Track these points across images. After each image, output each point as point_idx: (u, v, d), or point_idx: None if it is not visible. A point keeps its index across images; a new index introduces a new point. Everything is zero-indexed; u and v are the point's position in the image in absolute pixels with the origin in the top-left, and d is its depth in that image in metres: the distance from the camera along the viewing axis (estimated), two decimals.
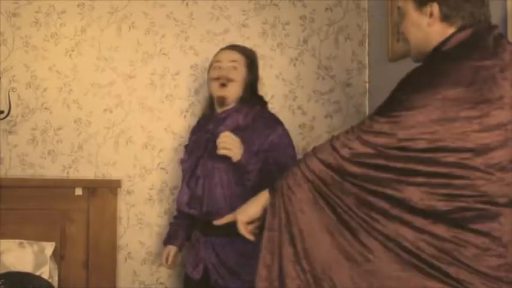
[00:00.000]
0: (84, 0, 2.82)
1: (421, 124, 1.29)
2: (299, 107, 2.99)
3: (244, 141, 2.03)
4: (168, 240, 2.44)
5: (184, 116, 2.88)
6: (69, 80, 2.80)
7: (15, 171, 2.74)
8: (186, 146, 2.41)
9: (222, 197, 2.09)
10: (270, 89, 2.96)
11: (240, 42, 2.92)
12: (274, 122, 2.19)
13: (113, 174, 2.81)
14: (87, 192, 2.66)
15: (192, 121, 2.86)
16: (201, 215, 2.14)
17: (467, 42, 1.37)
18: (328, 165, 1.39)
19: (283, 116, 2.93)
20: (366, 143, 1.35)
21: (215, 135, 2.07)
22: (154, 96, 2.87)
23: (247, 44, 2.92)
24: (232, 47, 2.33)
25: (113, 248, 2.66)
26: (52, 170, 2.77)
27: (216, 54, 2.32)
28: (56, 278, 2.52)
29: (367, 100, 3.06)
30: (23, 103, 2.76)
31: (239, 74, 2.21)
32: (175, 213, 2.50)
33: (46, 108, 2.78)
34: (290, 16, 2.99)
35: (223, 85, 2.17)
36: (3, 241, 2.47)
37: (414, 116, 1.29)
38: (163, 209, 2.83)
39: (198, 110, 2.82)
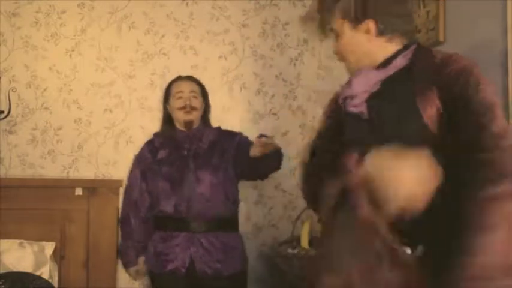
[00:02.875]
0: (84, 0, 2.82)
1: None
2: (299, 107, 2.99)
3: (222, 150, 2.55)
4: (129, 263, 2.60)
5: None
6: (69, 80, 2.81)
7: (15, 171, 2.75)
8: (150, 163, 2.60)
9: (209, 198, 2.46)
10: (270, 89, 2.96)
11: (240, 42, 2.93)
12: (234, 132, 2.68)
13: (113, 174, 2.81)
14: (87, 192, 2.66)
15: None
16: (190, 216, 2.44)
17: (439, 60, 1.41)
18: None
19: (283, 116, 2.94)
20: None
21: (197, 151, 2.53)
22: (154, 96, 2.87)
23: (247, 44, 2.94)
24: (188, 78, 2.67)
25: (112, 248, 2.66)
26: (52, 170, 2.77)
27: (176, 85, 2.63)
28: (56, 278, 2.52)
29: None
30: (23, 103, 2.76)
31: (199, 102, 2.61)
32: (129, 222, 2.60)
33: (46, 108, 2.78)
34: (290, 16, 2.99)
35: (188, 112, 2.55)
36: (3, 241, 2.47)
37: None
38: None
39: None
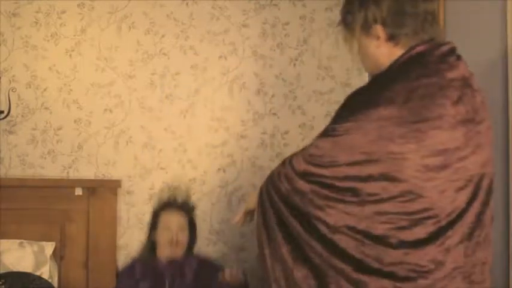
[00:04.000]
0: (84, 0, 2.82)
1: (359, 145, 1.31)
2: (299, 107, 2.99)
3: (205, 285, 2.52)
4: None
5: (184, 116, 2.88)
6: (69, 80, 2.81)
7: (15, 171, 2.75)
8: None
9: None
10: (270, 89, 2.96)
11: (240, 42, 2.93)
12: (216, 266, 2.63)
13: (113, 174, 2.81)
14: (87, 192, 2.66)
15: (192, 121, 2.86)
16: None
17: (408, 61, 1.35)
18: (286, 178, 1.47)
19: (283, 116, 2.95)
20: (310, 163, 1.41)
21: (179, 285, 2.50)
22: (154, 96, 2.87)
23: (247, 44, 2.94)
24: (178, 209, 2.62)
25: (112, 248, 2.66)
26: (52, 170, 2.77)
27: (165, 215, 2.58)
28: (56, 278, 2.52)
29: None
30: (23, 103, 2.76)
31: (185, 236, 2.57)
32: None
33: (46, 108, 2.78)
34: (290, 16, 2.99)
35: (173, 247, 2.52)
36: (3, 241, 2.47)
37: (353, 137, 1.33)
38: None
39: (197, 110, 2.83)
